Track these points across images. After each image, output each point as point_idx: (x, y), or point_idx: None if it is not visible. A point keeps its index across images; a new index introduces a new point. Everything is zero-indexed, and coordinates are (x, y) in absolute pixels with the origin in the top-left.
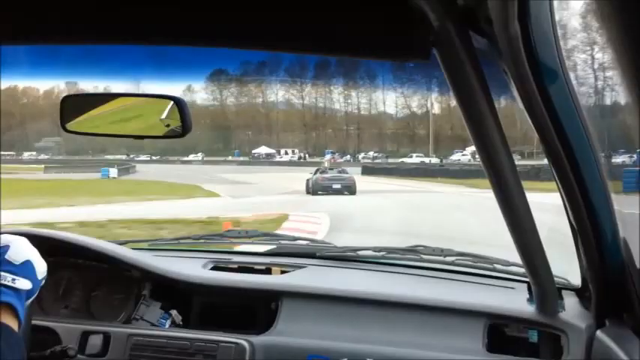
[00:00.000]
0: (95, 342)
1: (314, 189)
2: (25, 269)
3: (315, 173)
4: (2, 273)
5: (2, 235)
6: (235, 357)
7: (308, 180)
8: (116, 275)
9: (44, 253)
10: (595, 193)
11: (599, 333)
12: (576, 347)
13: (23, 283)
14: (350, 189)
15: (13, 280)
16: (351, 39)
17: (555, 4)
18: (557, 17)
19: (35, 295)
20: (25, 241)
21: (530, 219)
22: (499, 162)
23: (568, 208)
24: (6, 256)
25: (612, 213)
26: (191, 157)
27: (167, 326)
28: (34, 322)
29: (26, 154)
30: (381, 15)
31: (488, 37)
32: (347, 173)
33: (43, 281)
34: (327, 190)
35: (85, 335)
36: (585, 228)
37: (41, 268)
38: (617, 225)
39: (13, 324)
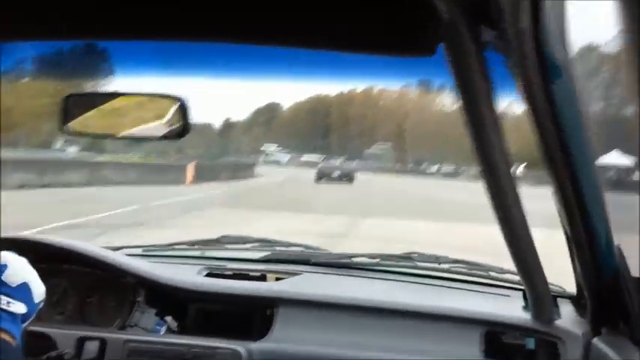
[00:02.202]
0: (91, 348)
1: (317, 176)
2: (21, 292)
3: (322, 161)
4: None
5: (1, 253)
6: None
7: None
8: (110, 281)
9: (38, 260)
10: (591, 200)
11: (595, 340)
12: (573, 354)
13: (18, 307)
14: (348, 176)
15: (8, 303)
16: (355, 34)
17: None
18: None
19: (31, 319)
20: (23, 262)
21: (525, 227)
22: (497, 167)
23: (562, 214)
24: (2, 277)
25: (607, 221)
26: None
27: (163, 332)
28: (29, 327)
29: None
30: (387, 8)
31: (497, 32)
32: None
33: (41, 305)
34: (329, 177)
35: (81, 341)
36: (579, 235)
37: (38, 291)
38: (611, 233)
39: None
